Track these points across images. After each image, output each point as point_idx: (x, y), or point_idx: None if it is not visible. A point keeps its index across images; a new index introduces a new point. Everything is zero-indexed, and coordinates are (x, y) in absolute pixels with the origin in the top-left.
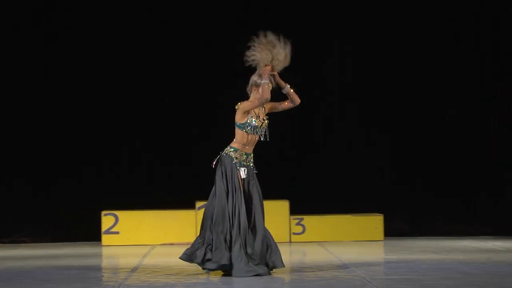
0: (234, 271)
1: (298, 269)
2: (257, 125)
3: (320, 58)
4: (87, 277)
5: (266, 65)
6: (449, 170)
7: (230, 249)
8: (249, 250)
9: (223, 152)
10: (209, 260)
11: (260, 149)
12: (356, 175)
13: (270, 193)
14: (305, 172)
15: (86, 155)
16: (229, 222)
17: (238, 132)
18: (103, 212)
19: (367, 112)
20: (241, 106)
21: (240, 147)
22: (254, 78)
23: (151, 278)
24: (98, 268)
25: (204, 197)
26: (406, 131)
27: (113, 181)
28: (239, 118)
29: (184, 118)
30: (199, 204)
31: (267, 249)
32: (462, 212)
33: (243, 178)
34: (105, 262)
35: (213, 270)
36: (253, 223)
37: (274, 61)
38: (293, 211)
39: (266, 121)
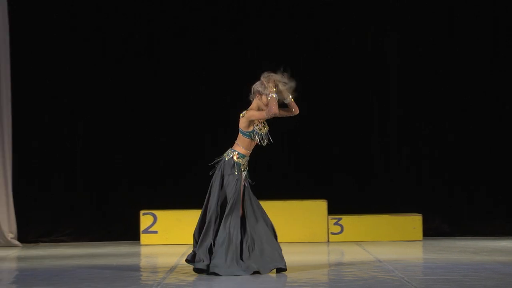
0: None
1: (336, 269)
2: (262, 133)
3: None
4: (126, 276)
5: (271, 78)
6: (487, 170)
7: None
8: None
9: (227, 157)
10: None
11: (298, 149)
12: (395, 175)
13: (308, 193)
14: (343, 172)
15: (126, 156)
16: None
17: (244, 139)
18: (142, 212)
19: (408, 111)
20: (247, 115)
21: (245, 152)
22: (257, 87)
23: (189, 278)
24: (136, 267)
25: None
26: (446, 131)
27: (152, 181)
28: (244, 126)
29: (226, 118)
30: None
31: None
32: (501, 212)
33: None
34: (143, 261)
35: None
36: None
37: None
38: (331, 211)
39: (267, 127)
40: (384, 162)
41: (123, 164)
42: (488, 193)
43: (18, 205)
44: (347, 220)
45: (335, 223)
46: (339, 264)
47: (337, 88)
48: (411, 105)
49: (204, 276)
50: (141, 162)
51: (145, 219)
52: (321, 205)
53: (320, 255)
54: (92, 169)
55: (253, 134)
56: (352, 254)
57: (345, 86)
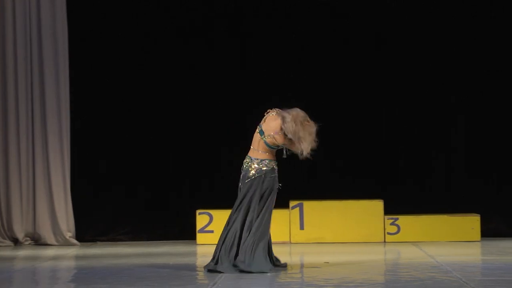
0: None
1: (393, 269)
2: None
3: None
4: (182, 275)
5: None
6: None
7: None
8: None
9: (269, 167)
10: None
11: (355, 149)
12: (453, 174)
13: (364, 193)
14: (400, 171)
15: (182, 155)
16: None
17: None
18: (198, 211)
19: (469, 107)
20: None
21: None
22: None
23: (244, 277)
24: (193, 267)
25: (298, 197)
26: (507, 130)
27: (208, 181)
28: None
29: None
30: (292, 203)
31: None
32: None
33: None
34: (199, 261)
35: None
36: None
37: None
38: (388, 211)
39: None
40: (441, 161)
41: (181, 165)
42: None
43: (76, 204)
44: (404, 220)
45: (392, 223)
46: (396, 265)
47: (398, 88)
48: (471, 106)
49: (256, 274)
50: (198, 163)
51: (201, 219)
52: (378, 205)
53: (376, 255)
54: (150, 170)
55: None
56: (409, 254)
57: (407, 85)
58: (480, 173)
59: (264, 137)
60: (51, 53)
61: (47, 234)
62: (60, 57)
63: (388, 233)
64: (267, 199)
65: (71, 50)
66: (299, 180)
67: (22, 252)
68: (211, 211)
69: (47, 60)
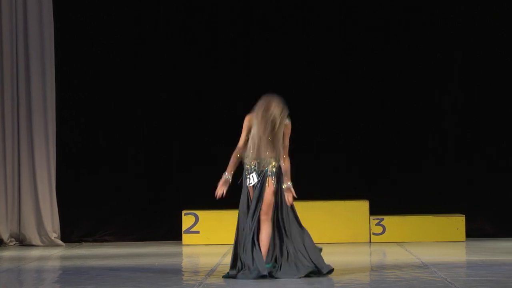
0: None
1: (378, 270)
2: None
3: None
4: (168, 276)
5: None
6: None
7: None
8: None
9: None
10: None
11: (341, 149)
12: (437, 175)
13: (350, 193)
14: (385, 172)
15: (167, 155)
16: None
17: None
18: (184, 212)
19: (456, 113)
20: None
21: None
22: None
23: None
24: (178, 268)
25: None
26: (493, 131)
27: (194, 181)
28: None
29: None
30: None
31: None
32: None
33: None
34: (185, 262)
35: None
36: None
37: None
38: (373, 211)
39: None
40: (426, 162)
41: (166, 165)
42: None
43: (62, 204)
44: (389, 220)
45: (377, 224)
46: (381, 265)
47: (386, 87)
48: (465, 103)
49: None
50: (184, 162)
51: (187, 219)
52: (363, 206)
53: (362, 256)
54: (136, 170)
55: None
56: (394, 255)
57: (394, 85)
58: (465, 173)
59: None
60: (37, 52)
61: (32, 235)
62: (47, 55)
63: (374, 234)
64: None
65: (57, 48)
66: None
67: (7, 253)
68: (197, 212)
69: (33, 60)
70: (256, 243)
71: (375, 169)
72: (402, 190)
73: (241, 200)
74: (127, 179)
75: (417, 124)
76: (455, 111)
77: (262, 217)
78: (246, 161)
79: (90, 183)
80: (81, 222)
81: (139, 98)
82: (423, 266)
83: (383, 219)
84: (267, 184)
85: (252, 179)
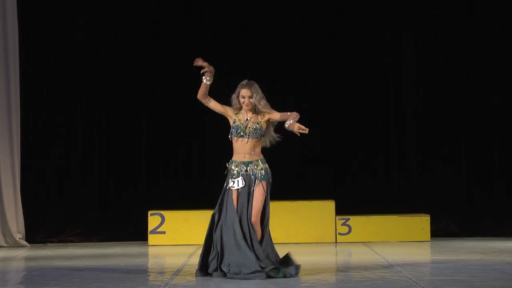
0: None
1: (344, 270)
2: (239, 124)
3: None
4: (134, 277)
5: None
6: (497, 168)
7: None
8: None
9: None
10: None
11: (306, 148)
12: (402, 175)
13: (316, 194)
14: (351, 172)
15: (133, 155)
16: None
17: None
18: (150, 212)
19: (420, 110)
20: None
21: (234, 157)
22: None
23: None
24: (144, 268)
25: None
26: (457, 129)
27: (159, 181)
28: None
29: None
30: None
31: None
32: (510, 213)
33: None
34: (151, 262)
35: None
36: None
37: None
38: (339, 211)
39: (249, 114)
40: (392, 162)
41: (131, 165)
42: (498, 192)
43: (26, 205)
44: (355, 220)
45: (343, 224)
46: (347, 265)
47: (349, 84)
48: (424, 104)
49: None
50: (149, 163)
51: (153, 220)
52: (329, 206)
53: (328, 256)
54: (100, 170)
55: (231, 133)
56: (360, 254)
57: (358, 83)
58: (430, 174)
59: None
60: (0, 51)
61: None
62: (10, 53)
63: (340, 234)
64: None
65: (21, 46)
66: None
67: None
68: (163, 212)
69: None
70: (252, 247)
71: (341, 169)
72: (368, 190)
73: (219, 201)
74: (93, 179)
75: (381, 125)
76: (417, 111)
77: (252, 221)
78: (232, 165)
79: (55, 184)
80: (46, 222)
81: (106, 97)
82: (389, 266)
83: (349, 219)
84: (256, 189)
85: (237, 183)
